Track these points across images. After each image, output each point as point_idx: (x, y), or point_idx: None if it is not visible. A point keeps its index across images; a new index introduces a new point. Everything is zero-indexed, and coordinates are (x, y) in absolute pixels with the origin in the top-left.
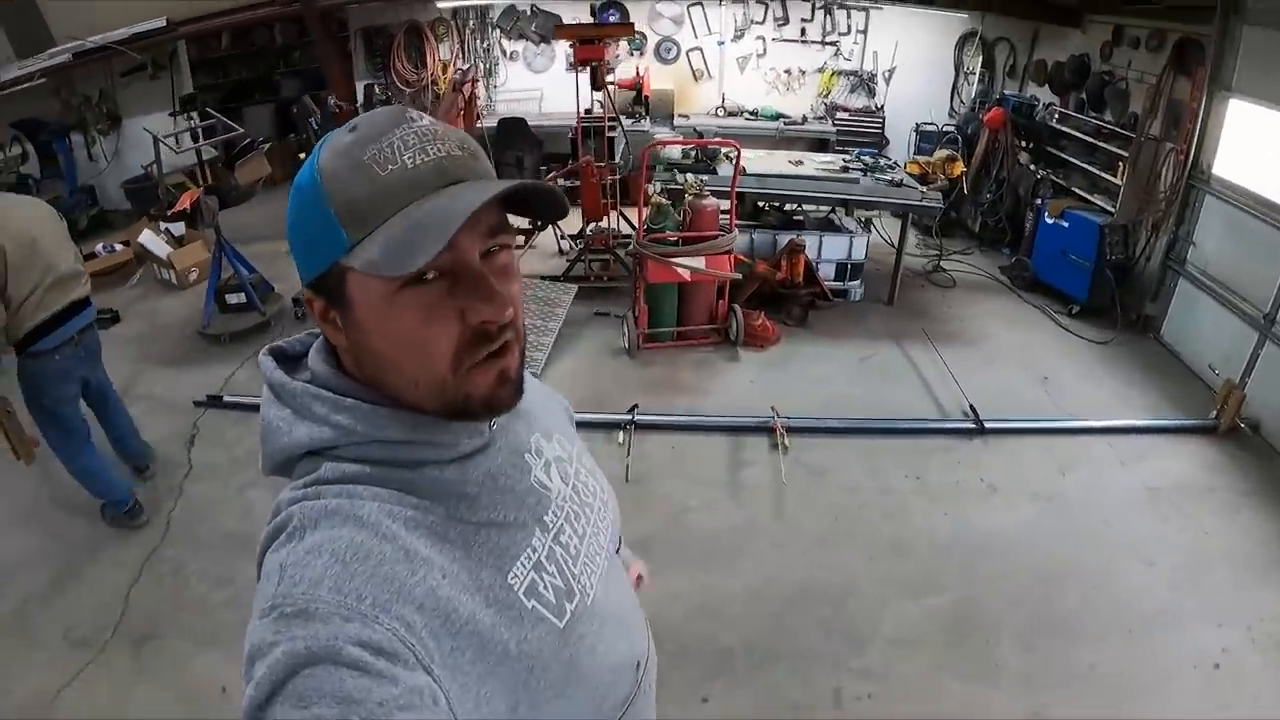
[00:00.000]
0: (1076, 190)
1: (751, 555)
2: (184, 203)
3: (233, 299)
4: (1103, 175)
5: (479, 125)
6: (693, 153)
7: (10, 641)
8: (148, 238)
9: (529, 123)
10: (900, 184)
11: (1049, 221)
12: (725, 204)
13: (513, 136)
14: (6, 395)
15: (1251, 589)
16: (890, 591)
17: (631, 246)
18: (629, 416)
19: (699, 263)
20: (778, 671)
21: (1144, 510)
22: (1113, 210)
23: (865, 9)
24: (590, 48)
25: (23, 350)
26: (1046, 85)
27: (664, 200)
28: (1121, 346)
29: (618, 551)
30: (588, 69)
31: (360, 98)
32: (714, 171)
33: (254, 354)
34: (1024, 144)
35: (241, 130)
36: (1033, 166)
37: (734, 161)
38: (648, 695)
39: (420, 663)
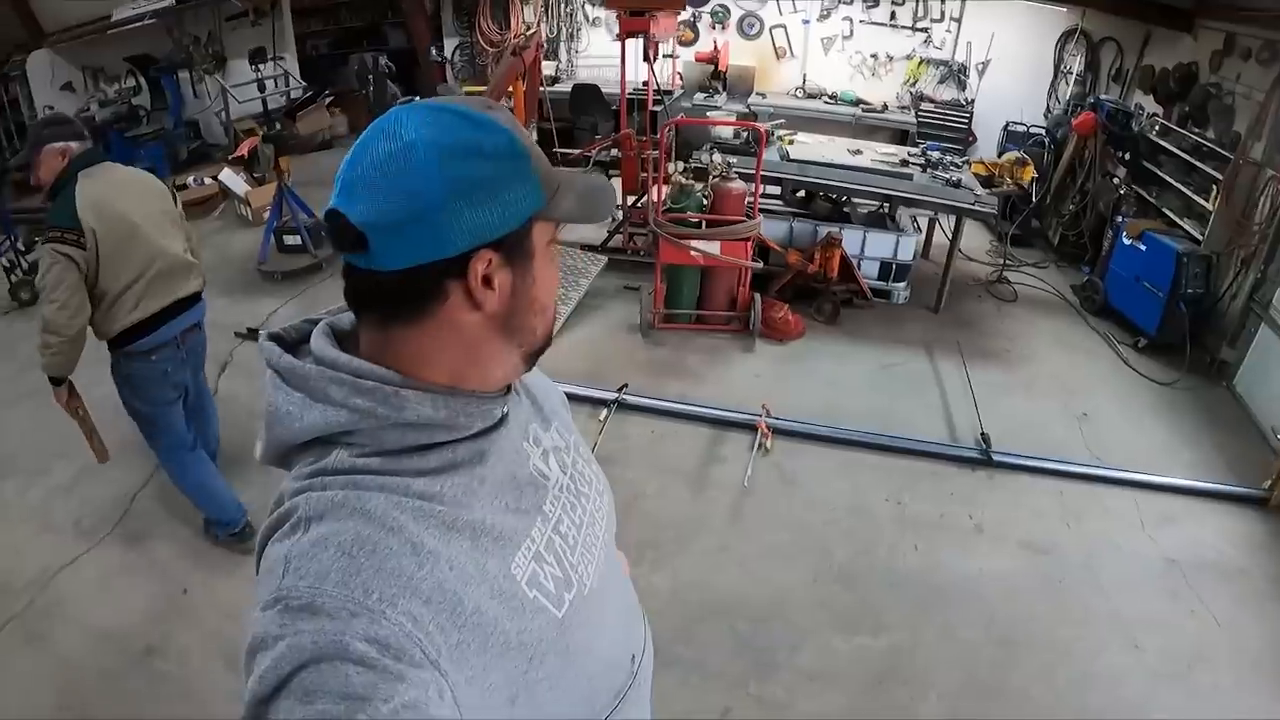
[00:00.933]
0: (1167, 212)
1: (690, 554)
2: (243, 149)
3: (290, 240)
4: (1196, 199)
5: (542, 90)
6: (745, 134)
7: (31, 524)
8: (227, 175)
9: (604, 90)
10: (958, 184)
11: (1126, 242)
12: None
13: (587, 102)
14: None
15: (1252, 696)
16: (822, 620)
17: (649, 224)
18: (615, 395)
19: (714, 248)
20: (668, 678)
21: (1152, 583)
22: (1200, 238)
23: None
24: (637, 19)
25: (117, 346)
26: (1151, 94)
27: (686, 179)
28: (1186, 391)
29: None
30: (640, 40)
31: (449, 55)
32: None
33: (301, 293)
34: (1121, 155)
35: (304, 85)
36: (1116, 180)
37: (759, 145)
38: (643, 687)
39: (427, 657)
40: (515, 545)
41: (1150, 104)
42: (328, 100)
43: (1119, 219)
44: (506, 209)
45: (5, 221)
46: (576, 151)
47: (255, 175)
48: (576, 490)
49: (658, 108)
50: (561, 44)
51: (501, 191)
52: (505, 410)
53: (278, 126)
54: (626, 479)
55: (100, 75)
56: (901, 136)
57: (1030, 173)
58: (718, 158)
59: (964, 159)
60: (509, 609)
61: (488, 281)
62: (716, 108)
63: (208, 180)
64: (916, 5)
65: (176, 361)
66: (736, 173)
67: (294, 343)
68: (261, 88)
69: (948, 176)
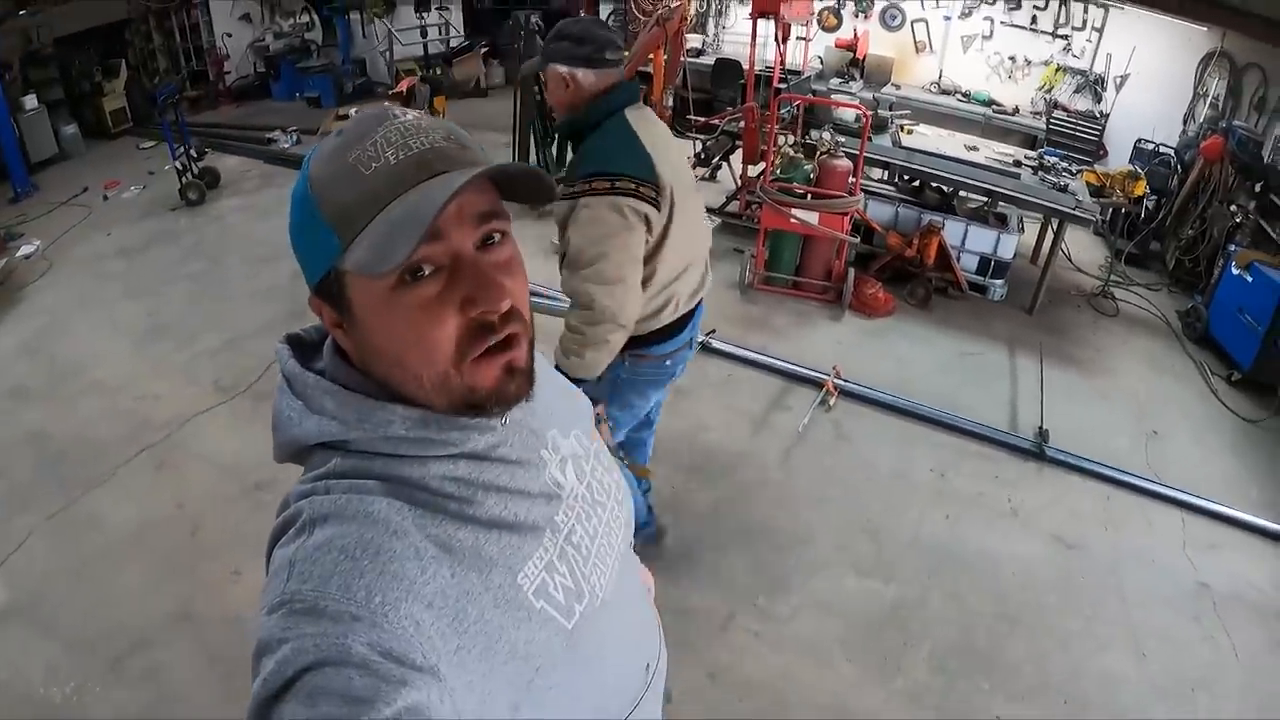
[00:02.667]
0: None
1: (734, 483)
2: (401, 86)
3: None
4: None
5: (683, 60)
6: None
7: (179, 377)
8: None
9: (745, 67)
10: (1065, 189)
11: (1234, 272)
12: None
13: (728, 76)
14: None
15: None
16: (840, 560)
17: (756, 190)
18: (702, 338)
19: (813, 217)
20: (689, 579)
21: (1177, 602)
22: None
23: (1105, 5)
24: (768, 0)
25: (632, 347)
26: None
27: (795, 153)
28: (1272, 433)
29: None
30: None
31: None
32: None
33: None
34: (1252, 186)
35: (462, 34)
36: (1234, 208)
37: (864, 127)
38: (656, 696)
39: (427, 661)
40: (524, 556)
41: None
42: (484, 50)
43: (1231, 247)
44: (310, 258)
45: (183, 131)
46: (703, 120)
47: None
48: (593, 500)
49: (783, 86)
50: (710, 19)
51: (299, 240)
52: (504, 424)
53: (435, 70)
54: (695, 411)
55: (277, 8)
56: (1031, 142)
57: (1141, 187)
58: (827, 135)
59: (1078, 168)
60: (514, 619)
61: (336, 323)
62: (850, 93)
63: None
64: (1059, 11)
65: (675, 369)
66: (844, 152)
67: (314, 344)
68: (424, 34)
69: (1056, 181)
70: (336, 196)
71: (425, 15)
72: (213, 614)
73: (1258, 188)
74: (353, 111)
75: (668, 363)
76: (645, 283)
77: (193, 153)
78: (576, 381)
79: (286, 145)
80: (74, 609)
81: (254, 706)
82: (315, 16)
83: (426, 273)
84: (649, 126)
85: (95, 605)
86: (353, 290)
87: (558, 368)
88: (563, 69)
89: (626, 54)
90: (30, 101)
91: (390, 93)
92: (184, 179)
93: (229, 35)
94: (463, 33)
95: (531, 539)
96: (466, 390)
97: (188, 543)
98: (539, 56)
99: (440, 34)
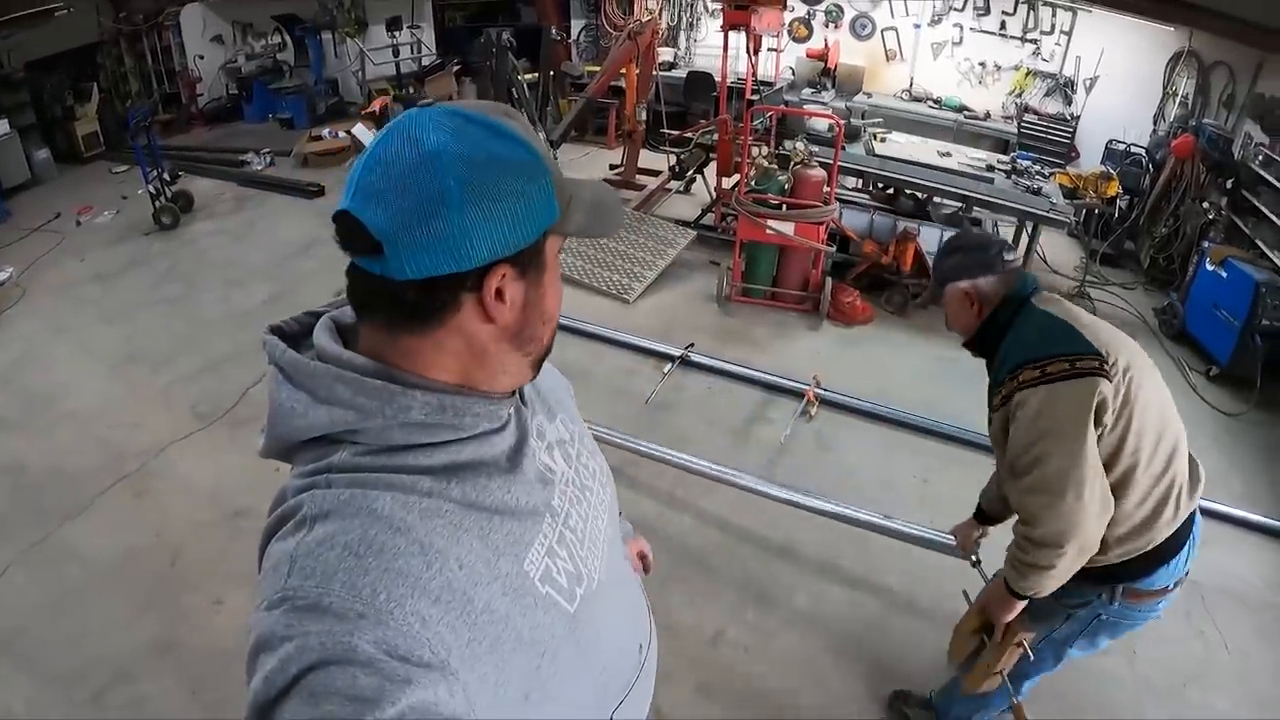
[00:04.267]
0: (1260, 244)
1: (718, 495)
2: (375, 105)
3: None
4: None
5: (655, 74)
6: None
7: (155, 404)
8: (360, 129)
9: (716, 79)
10: (1038, 192)
11: (1208, 268)
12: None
13: (700, 89)
14: None
15: None
16: (827, 569)
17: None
18: (681, 352)
19: (788, 228)
20: (678, 595)
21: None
22: None
23: (1073, 9)
24: (739, 12)
25: (1107, 580)
26: (1259, 122)
27: (769, 164)
28: (1252, 426)
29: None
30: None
31: (575, 35)
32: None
33: None
34: (1222, 182)
35: (435, 54)
36: (1206, 205)
37: (837, 137)
38: (650, 676)
39: (436, 657)
40: (527, 542)
41: (1259, 133)
42: (455, 69)
43: (1205, 244)
44: (525, 223)
45: (156, 154)
46: (676, 133)
47: None
48: (582, 484)
49: (755, 97)
50: (681, 32)
51: (521, 205)
52: (510, 411)
53: (408, 89)
54: (676, 424)
55: (249, 30)
56: (1003, 146)
57: (1114, 188)
58: (800, 146)
59: (1050, 170)
60: (521, 606)
61: (500, 295)
62: (822, 103)
63: (341, 133)
64: (1027, 16)
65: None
66: (818, 161)
67: (295, 335)
68: (396, 52)
69: (1029, 184)
70: (553, 166)
71: (397, 34)
72: (195, 644)
73: (1229, 184)
74: (325, 133)
75: (1160, 603)
76: (1120, 489)
77: (166, 176)
78: (1020, 595)
79: (260, 167)
80: (54, 642)
81: (255, 705)
82: (287, 37)
83: None
84: (1066, 308)
85: (75, 637)
86: (549, 253)
87: (1005, 581)
88: (964, 284)
89: (1013, 252)
90: (2, 126)
91: (363, 112)
92: (157, 203)
93: (201, 57)
94: (434, 51)
95: (532, 524)
96: (549, 346)
97: (168, 572)
98: (932, 283)
99: (412, 52)
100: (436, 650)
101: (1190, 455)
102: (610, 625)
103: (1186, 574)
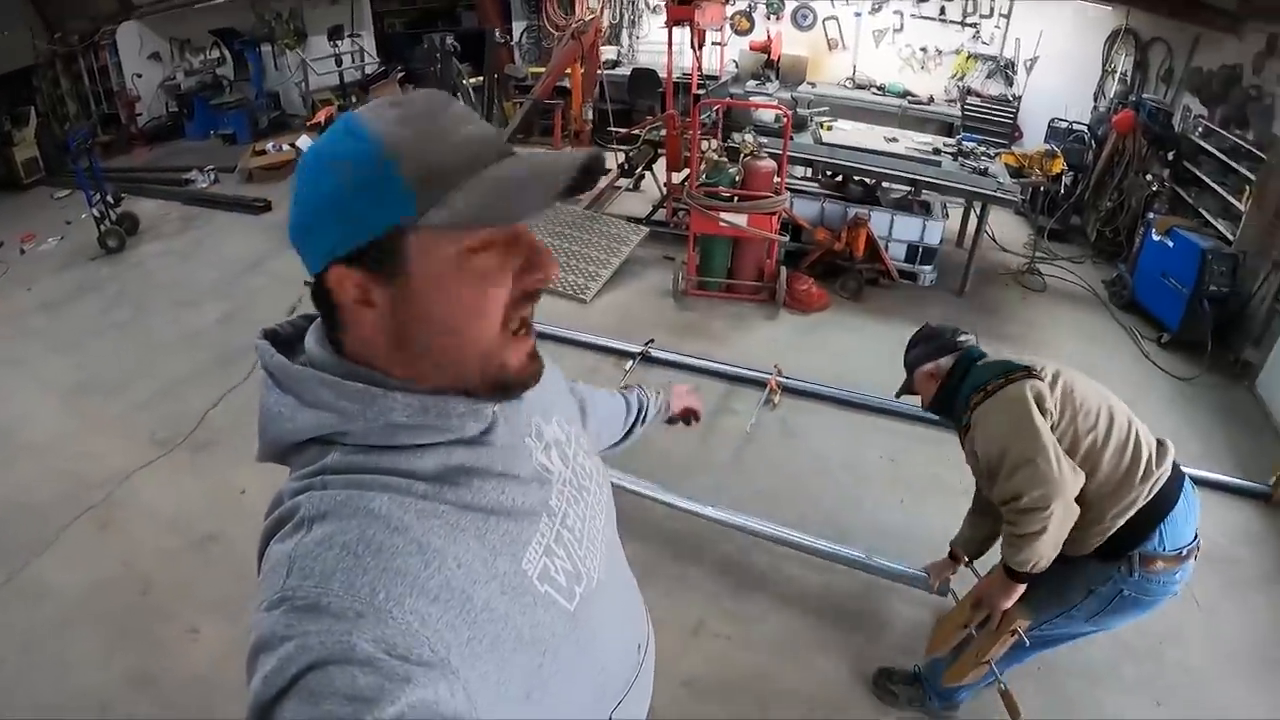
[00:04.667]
0: (1203, 212)
1: (688, 488)
2: (319, 116)
3: None
4: (1231, 200)
5: (600, 73)
6: (783, 117)
7: (113, 432)
8: (304, 141)
9: (661, 75)
10: (985, 173)
11: (1155, 238)
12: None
13: (645, 85)
14: None
15: (1223, 680)
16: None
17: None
18: (641, 349)
19: (741, 219)
20: (654, 590)
21: None
22: (1233, 239)
23: None
24: (682, 8)
25: (1115, 552)
26: (1197, 95)
27: (719, 157)
28: (1205, 389)
29: (655, 407)
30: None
31: (517, 37)
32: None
33: None
34: (1165, 155)
35: (379, 61)
36: (1149, 177)
37: (786, 127)
38: (648, 676)
39: (436, 655)
40: (525, 541)
41: (1197, 105)
42: (399, 75)
43: (1150, 215)
44: (353, 222)
45: (98, 177)
46: (624, 130)
47: None
48: (579, 484)
49: (701, 91)
50: (623, 30)
51: (347, 203)
52: (496, 410)
53: (353, 98)
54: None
55: (186, 46)
56: (948, 129)
57: (1059, 165)
58: (749, 137)
59: (996, 150)
60: (520, 605)
61: (365, 298)
62: (767, 94)
63: (285, 146)
64: (966, 1)
65: (1186, 575)
66: (768, 153)
67: (289, 339)
68: (339, 62)
69: (976, 165)
70: (423, 156)
71: (339, 43)
72: (174, 675)
73: (1170, 156)
74: (269, 146)
75: (1177, 574)
76: (1090, 461)
77: (109, 199)
78: (1020, 575)
79: (204, 185)
80: (29, 682)
81: (254, 705)
82: (226, 51)
83: (492, 242)
84: (1003, 356)
85: (51, 676)
86: (416, 253)
87: (1005, 564)
88: (928, 367)
89: (965, 335)
90: None
91: (308, 123)
92: (102, 227)
93: (139, 76)
94: (377, 59)
95: (529, 524)
96: (499, 368)
97: (140, 603)
98: (906, 376)
99: (354, 61)
100: (436, 648)
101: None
102: (609, 625)
103: (1197, 544)
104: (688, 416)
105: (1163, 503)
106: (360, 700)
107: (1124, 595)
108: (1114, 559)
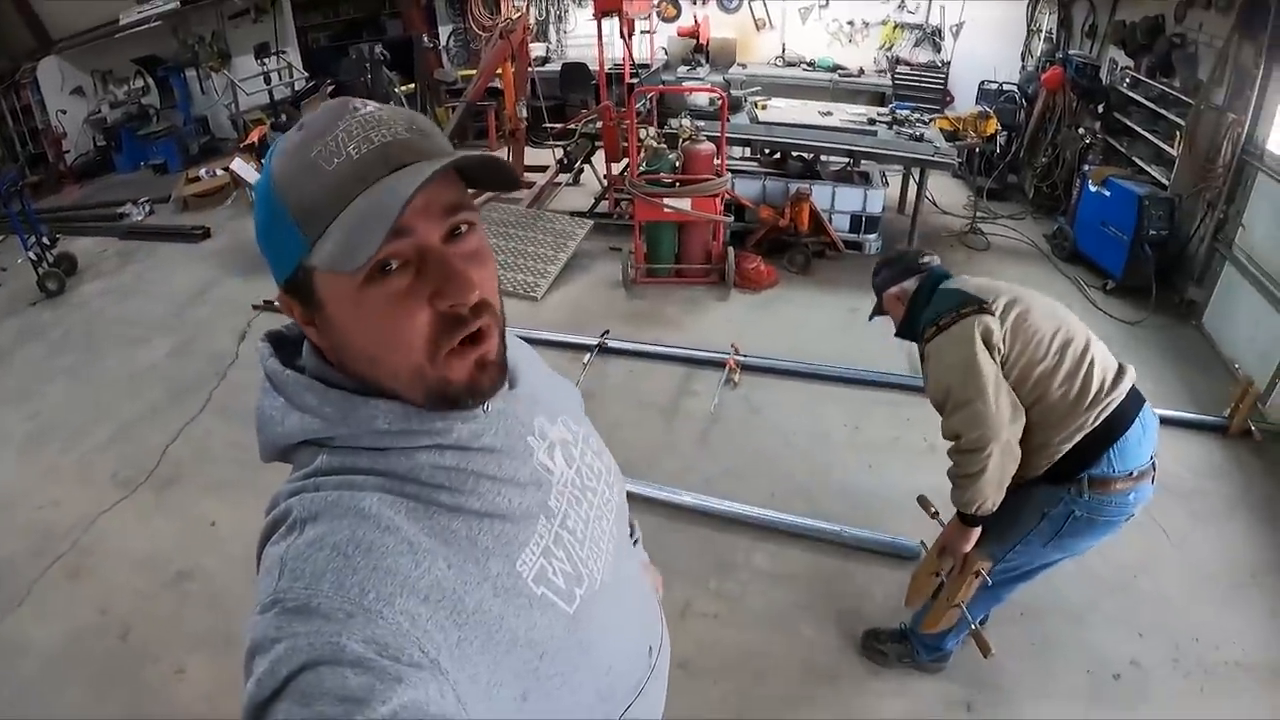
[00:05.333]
0: (1137, 160)
1: (659, 473)
2: (253, 136)
3: None
4: (1164, 146)
5: (531, 70)
6: (718, 100)
7: (73, 479)
8: (239, 165)
9: (591, 68)
10: (921, 139)
11: (1091, 189)
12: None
13: (576, 80)
14: None
15: (1198, 606)
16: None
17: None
18: (597, 341)
19: (685, 204)
20: None
21: None
22: (1168, 184)
23: None
24: None
25: (1065, 475)
26: (1122, 47)
27: (657, 144)
28: (1154, 330)
29: (635, 543)
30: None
31: (445, 41)
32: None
33: None
34: (1094, 108)
35: (307, 76)
36: (1081, 130)
37: (719, 108)
38: (661, 679)
39: (426, 655)
40: (521, 543)
41: (1123, 57)
42: (330, 89)
43: (1085, 168)
44: (276, 254)
45: (31, 220)
46: (559, 126)
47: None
48: (583, 484)
49: (634, 81)
50: (550, 25)
51: (269, 236)
52: (487, 412)
53: (284, 116)
54: (606, 412)
55: (109, 78)
56: (880, 99)
57: (992, 126)
58: (687, 122)
59: (929, 116)
60: (514, 606)
61: (308, 319)
62: (699, 79)
63: (219, 171)
64: None
65: (1145, 497)
66: (705, 136)
67: (296, 340)
68: (267, 80)
69: (911, 132)
70: (300, 193)
71: (266, 61)
72: (166, 717)
73: (1100, 109)
74: (202, 173)
75: (1131, 495)
76: (1040, 390)
77: (45, 241)
78: (973, 518)
79: (139, 217)
80: None
81: (248, 708)
82: (149, 80)
83: (394, 267)
84: (963, 279)
85: None
86: (322, 287)
87: (960, 511)
88: (894, 290)
89: (928, 255)
90: None
91: (241, 145)
92: (40, 270)
93: (63, 112)
94: (305, 74)
95: (525, 525)
96: (440, 383)
97: (121, 648)
98: (876, 300)
99: (282, 78)
100: (426, 649)
101: (1115, 358)
102: (615, 626)
103: (1152, 465)
104: None
105: (1112, 428)
106: (351, 701)
107: (1076, 516)
108: (1064, 481)
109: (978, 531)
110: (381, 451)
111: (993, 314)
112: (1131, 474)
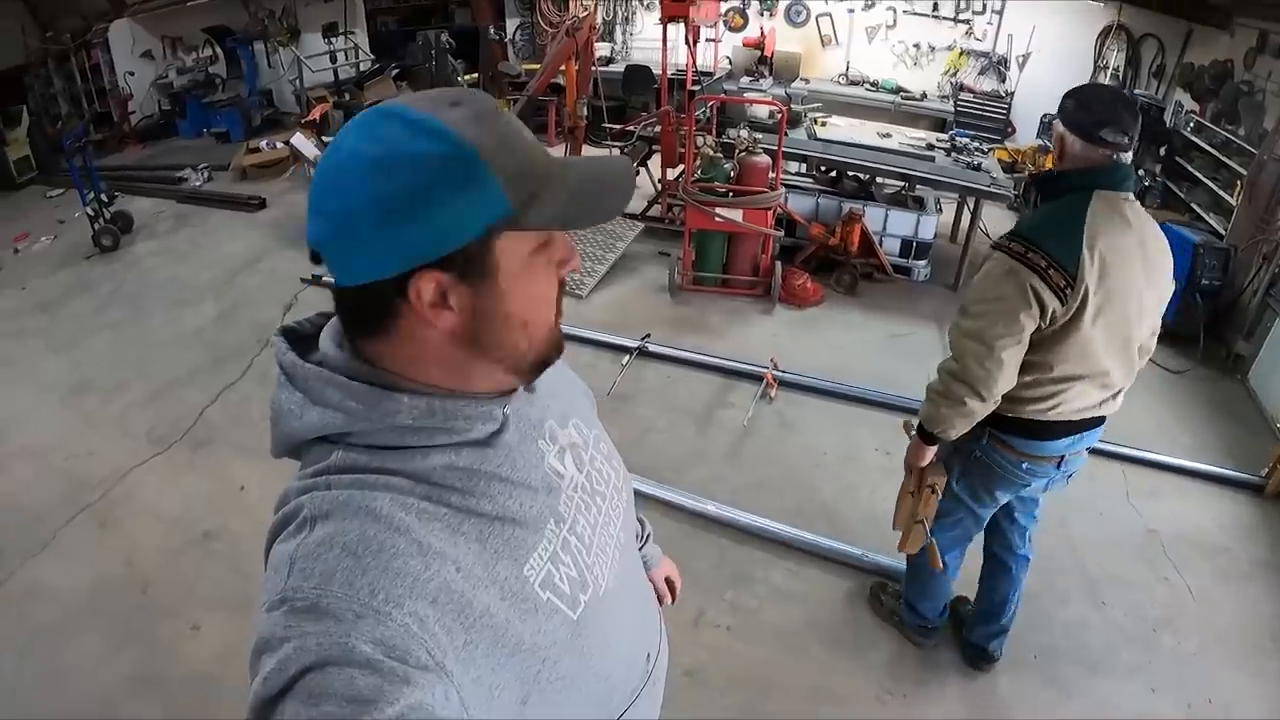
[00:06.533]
0: (1196, 207)
1: (687, 480)
2: (314, 114)
3: None
4: (1223, 194)
5: (594, 69)
6: (778, 113)
7: (110, 431)
8: (299, 139)
9: (654, 71)
10: (979, 168)
11: None
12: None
13: (639, 82)
14: None
15: (1216, 665)
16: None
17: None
18: (638, 344)
19: (736, 215)
20: None
21: (1128, 549)
22: (1224, 233)
23: None
24: (677, 4)
25: (997, 429)
26: (1188, 90)
27: (714, 153)
28: (1197, 381)
29: (643, 547)
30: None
31: (511, 34)
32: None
33: None
34: (1157, 150)
35: (373, 58)
36: (1141, 172)
37: (778, 121)
38: (657, 685)
39: (432, 658)
40: (529, 548)
41: (1188, 101)
42: (394, 73)
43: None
44: (446, 225)
45: (92, 176)
46: (618, 127)
47: (325, 139)
48: (592, 489)
49: (696, 88)
50: (617, 26)
51: (436, 206)
52: (506, 412)
53: (347, 95)
54: (639, 415)
55: (179, 44)
56: (940, 125)
57: (1051, 160)
58: (745, 133)
59: (989, 146)
60: (520, 611)
61: (444, 300)
62: (760, 91)
63: (280, 144)
64: None
65: (1040, 481)
66: (762, 149)
67: (307, 336)
68: (333, 59)
69: (969, 160)
70: (513, 155)
71: (333, 40)
72: (176, 673)
73: (1162, 151)
74: (263, 144)
75: (1025, 466)
76: (1031, 368)
77: (103, 198)
78: (930, 437)
79: (198, 183)
80: (30, 685)
81: (254, 706)
82: (218, 49)
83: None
84: (1114, 223)
85: (51, 678)
86: (504, 254)
87: (920, 423)
88: (1060, 127)
89: (1128, 139)
90: None
91: (302, 121)
92: (96, 225)
93: (131, 74)
94: (371, 56)
95: (535, 530)
96: (555, 343)
97: (141, 601)
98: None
99: (348, 59)
100: (433, 651)
101: (1117, 394)
102: (616, 633)
103: (1060, 469)
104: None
105: (1046, 431)
106: (359, 701)
107: (977, 458)
108: (983, 426)
109: (931, 451)
110: (396, 451)
111: (1064, 302)
112: (1032, 456)
